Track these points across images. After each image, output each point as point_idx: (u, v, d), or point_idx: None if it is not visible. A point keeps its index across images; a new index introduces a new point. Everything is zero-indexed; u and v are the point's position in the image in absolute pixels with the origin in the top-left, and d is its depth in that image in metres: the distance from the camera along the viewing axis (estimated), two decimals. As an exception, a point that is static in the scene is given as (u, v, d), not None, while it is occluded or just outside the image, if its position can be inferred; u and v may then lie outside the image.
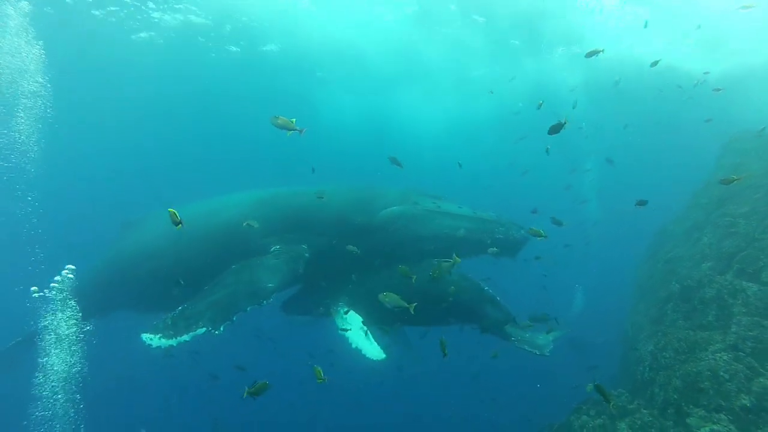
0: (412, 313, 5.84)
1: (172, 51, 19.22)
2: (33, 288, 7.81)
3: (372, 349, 7.01)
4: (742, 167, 9.29)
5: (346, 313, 7.55)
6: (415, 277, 6.29)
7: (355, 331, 7.24)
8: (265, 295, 6.90)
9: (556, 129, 6.61)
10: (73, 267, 8.22)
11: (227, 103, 25.55)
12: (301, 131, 5.58)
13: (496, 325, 7.79)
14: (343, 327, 7.29)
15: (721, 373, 5.89)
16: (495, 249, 8.02)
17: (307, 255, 7.61)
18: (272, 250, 7.59)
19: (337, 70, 22.24)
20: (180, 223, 5.07)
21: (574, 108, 14.57)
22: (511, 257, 8.52)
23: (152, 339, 6.28)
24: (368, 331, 7.28)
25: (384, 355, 6.95)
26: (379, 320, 7.65)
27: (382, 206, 7.96)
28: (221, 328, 6.42)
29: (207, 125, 28.01)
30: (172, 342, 6.29)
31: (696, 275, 7.91)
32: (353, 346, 7.04)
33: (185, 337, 6.31)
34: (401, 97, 25.32)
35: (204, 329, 6.37)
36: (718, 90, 12.61)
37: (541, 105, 10.78)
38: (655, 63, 10.77)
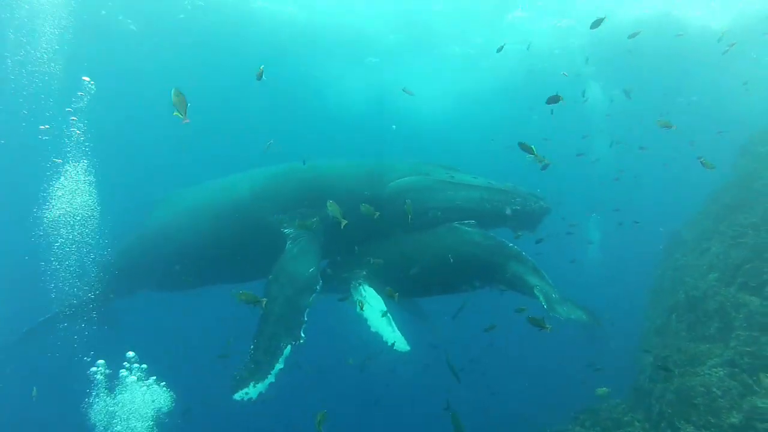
0: (342, 228, 5.81)
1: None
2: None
3: (396, 337, 6.55)
4: (756, 174, 9.13)
5: (365, 289, 7.14)
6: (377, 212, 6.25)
7: (375, 313, 6.82)
8: (314, 281, 6.76)
9: (553, 100, 6.89)
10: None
11: (233, 84, 25.42)
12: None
13: (521, 281, 7.24)
14: (361, 307, 6.86)
15: (714, 390, 6.00)
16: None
17: (321, 225, 7.45)
18: (287, 233, 7.46)
19: (339, 45, 21.74)
20: (184, 111, 4.99)
21: (584, 96, 14.44)
22: (530, 230, 8.24)
23: (247, 393, 5.93)
24: (390, 317, 6.81)
25: (408, 347, 6.52)
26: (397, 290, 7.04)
27: (393, 178, 7.77)
28: (302, 334, 6.26)
29: (214, 103, 27.77)
30: (270, 379, 6.01)
31: (702, 285, 7.94)
32: (372, 329, 6.67)
33: (278, 365, 6.09)
34: (405, 70, 24.28)
35: (288, 346, 6.20)
36: (732, 45, 11.85)
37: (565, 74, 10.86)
38: (633, 35, 10.31)
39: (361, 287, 7.19)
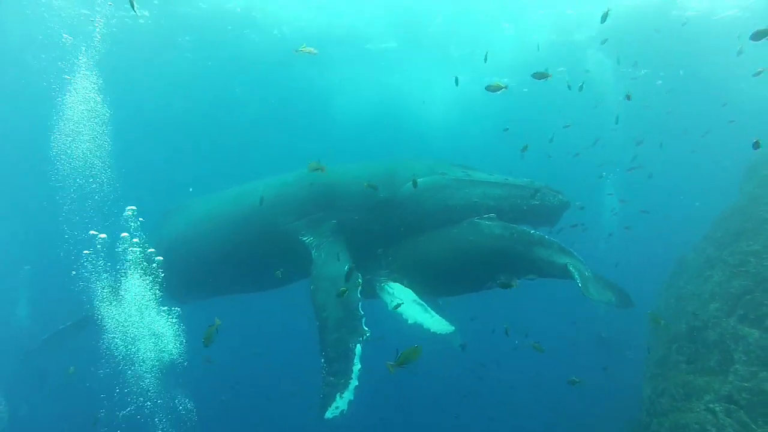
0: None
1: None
2: None
3: (436, 321, 6.47)
4: (761, 200, 8.90)
5: (391, 287, 7.10)
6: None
7: (408, 304, 6.72)
8: (354, 275, 6.74)
9: (540, 76, 6.88)
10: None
11: (240, 93, 25.59)
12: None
13: (549, 264, 7.10)
14: (393, 303, 6.77)
15: (709, 428, 5.82)
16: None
17: (339, 226, 7.54)
18: (307, 242, 7.42)
19: (338, 50, 21.51)
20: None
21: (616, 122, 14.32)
22: (549, 225, 8.13)
23: (337, 406, 5.74)
24: (424, 303, 6.73)
25: (453, 327, 6.42)
26: (419, 290, 7.13)
27: (408, 179, 7.63)
28: (365, 328, 6.29)
29: (222, 111, 27.75)
30: (353, 383, 5.89)
31: (703, 315, 7.73)
32: (410, 321, 6.50)
33: (356, 366, 6.00)
34: (409, 74, 24.20)
35: (358, 345, 6.15)
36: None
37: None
38: (604, 41, 10.48)
39: (386, 286, 7.15)
